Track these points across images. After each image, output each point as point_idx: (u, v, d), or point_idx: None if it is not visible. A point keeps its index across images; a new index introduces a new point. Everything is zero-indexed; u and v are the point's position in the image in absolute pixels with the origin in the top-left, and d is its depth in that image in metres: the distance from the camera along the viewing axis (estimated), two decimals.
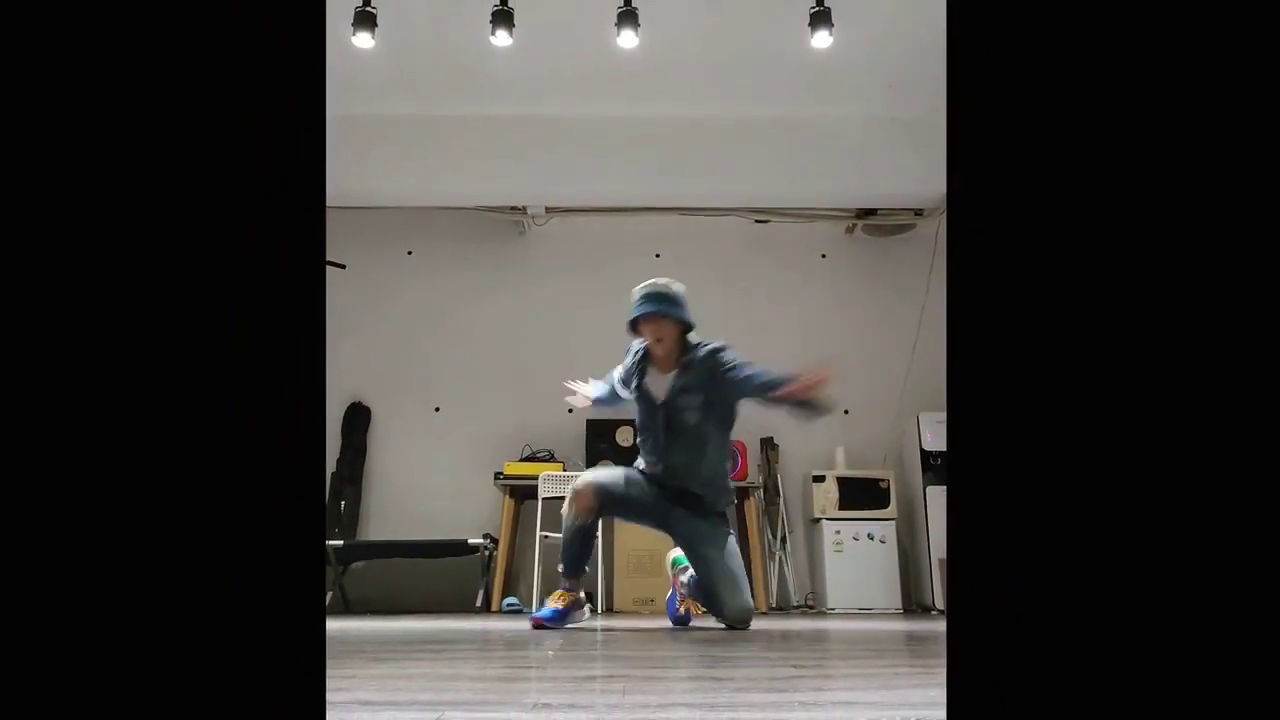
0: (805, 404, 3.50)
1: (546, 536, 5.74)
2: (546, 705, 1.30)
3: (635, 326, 3.81)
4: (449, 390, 7.13)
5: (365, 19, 5.21)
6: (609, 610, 6.09)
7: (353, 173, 6.26)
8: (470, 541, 6.12)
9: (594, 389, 4.20)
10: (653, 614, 5.77)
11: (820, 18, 5.22)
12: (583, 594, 3.75)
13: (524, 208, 7.19)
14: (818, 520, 6.51)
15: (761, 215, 7.29)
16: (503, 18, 5.18)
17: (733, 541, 3.78)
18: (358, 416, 7.05)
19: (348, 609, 6.08)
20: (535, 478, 5.93)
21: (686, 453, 3.79)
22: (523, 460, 6.63)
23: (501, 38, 5.25)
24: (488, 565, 6.19)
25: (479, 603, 6.18)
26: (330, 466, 6.89)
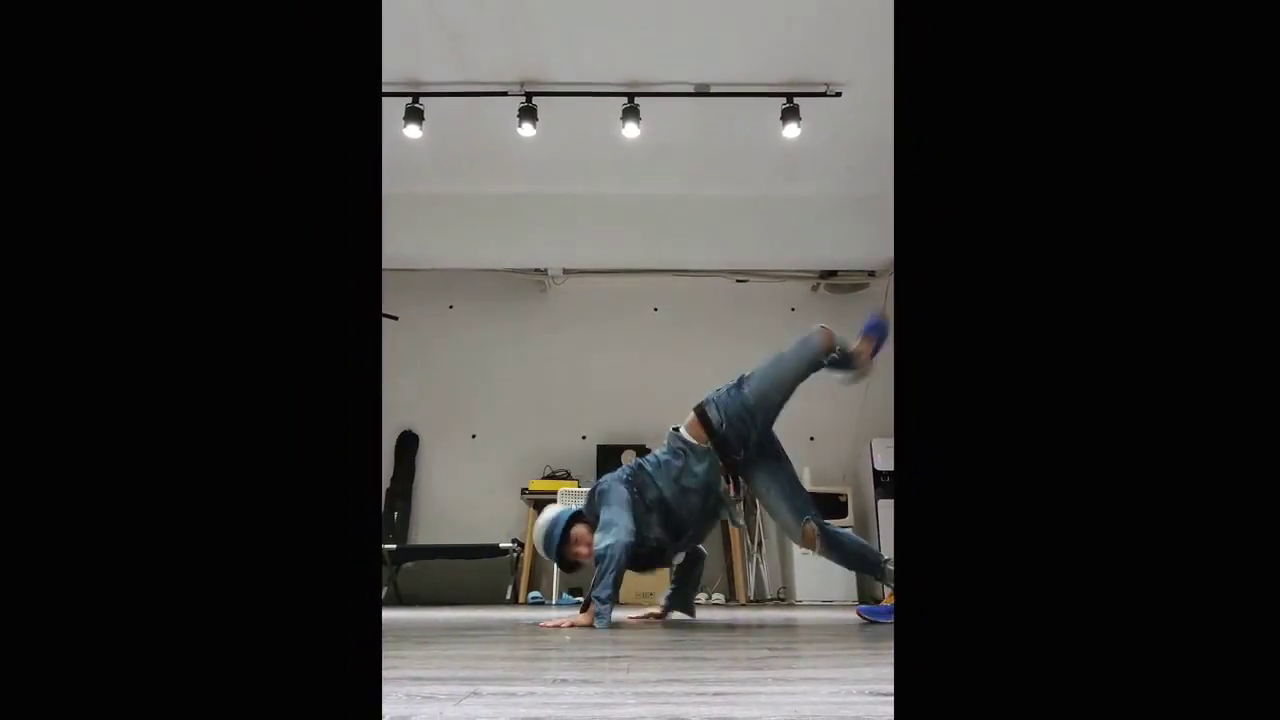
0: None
1: None
2: (564, 680, 1.29)
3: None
4: (483, 420, 7.12)
5: (414, 114, 5.29)
6: (615, 603, 6.04)
7: (404, 240, 6.28)
8: (501, 545, 6.08)
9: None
10: (652, 605, 5.71)
11: (790, 113, 5.28)
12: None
13: (545, 269, 7.23)
14: None
15: (742, 276, 7.32)
16: (527, 113, 5.26)
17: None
18: (408, 442, 7.03)
19: (400, 601, 6.03)
20: (554, 492, 5.90)
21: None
22: (544, 478, 6.61)
23: (526, 129, 5.32)
24: (515, 565, 6.14)
25: (508, 596, 6.14)
26: (385, 483, 6.86)
